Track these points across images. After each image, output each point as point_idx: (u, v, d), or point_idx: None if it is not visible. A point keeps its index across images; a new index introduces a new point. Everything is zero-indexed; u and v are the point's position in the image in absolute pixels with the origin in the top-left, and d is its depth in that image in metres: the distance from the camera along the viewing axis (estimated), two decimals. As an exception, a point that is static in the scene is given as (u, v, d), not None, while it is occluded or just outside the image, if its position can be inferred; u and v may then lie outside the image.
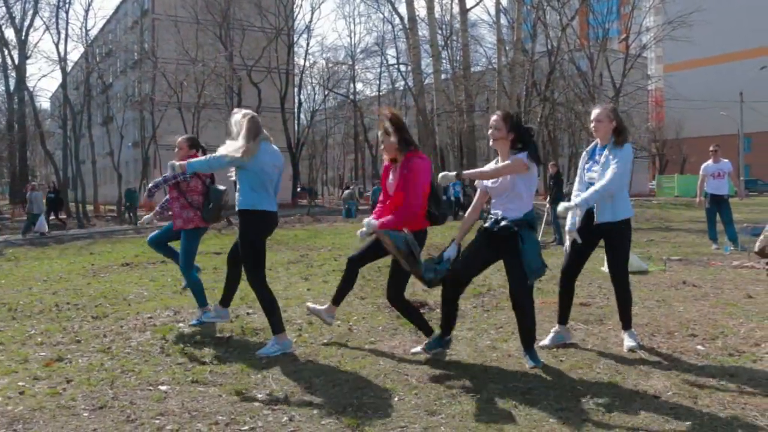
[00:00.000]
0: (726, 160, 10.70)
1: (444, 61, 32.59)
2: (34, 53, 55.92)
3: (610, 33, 36.65)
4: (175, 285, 7.61)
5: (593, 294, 6.57)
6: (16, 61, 31.61)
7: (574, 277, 4.66)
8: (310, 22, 60.55)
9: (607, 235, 4.51)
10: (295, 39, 43.32)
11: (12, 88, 33.12)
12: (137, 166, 39.45)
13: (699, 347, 4.47)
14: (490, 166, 4.31)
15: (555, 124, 33.23)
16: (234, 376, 4.06)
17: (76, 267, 10.35)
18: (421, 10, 28.92)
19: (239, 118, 4.67)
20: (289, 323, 5.41)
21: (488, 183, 4.25)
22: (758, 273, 7.67)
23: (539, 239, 12.79)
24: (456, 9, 30.63)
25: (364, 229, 4.21)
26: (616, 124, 4.49)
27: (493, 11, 34.52)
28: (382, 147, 4.47)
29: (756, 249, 8.27)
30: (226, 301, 5.21)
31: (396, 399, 3.56)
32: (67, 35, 31.24)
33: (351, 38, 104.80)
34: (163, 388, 3.85)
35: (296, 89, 45.55)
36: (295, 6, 41.64)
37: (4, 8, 30.66)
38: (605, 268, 5.31)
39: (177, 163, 4.57)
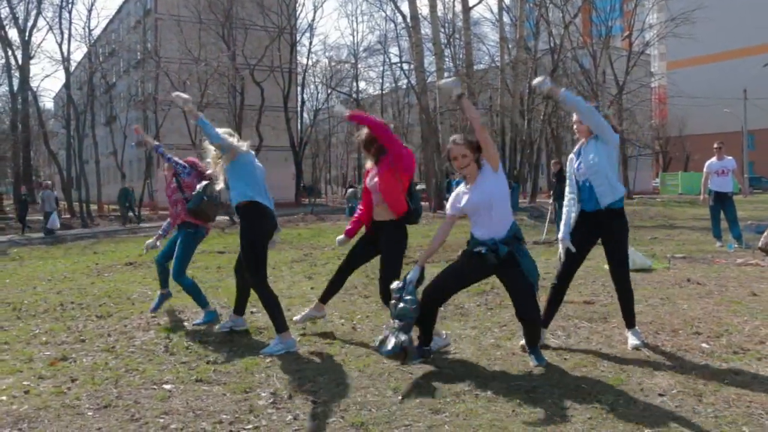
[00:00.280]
0: (730, 158, 10.67)
1: (447, 59, 32.51)
2: (38, 53, 56.23)
3: (613, 30, 36.56)
4: (178, 285, 7.61)
5: (597, 292, 6.56)
6: (20, 62, 31.65)
7: (567, 283, 4.62)
8: (313, 20, 60.94)
9: (607, 229, 4.43)
10: (298, 38, 43.38)
11: (16, 88, 33.14)
12: (141, 166, 39.52)
13: (703, 345, 4.46)
14: (460, 189, 4.24)
15: (558, 122, 33.14)
16: (238, 375, 4.07)
17: (80, 266, 10.37)
18: (424, 9, 28.89)
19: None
20: (293, 322, 5.42)
21: (464, 204, 4.14)
22: (762, 270, 7.65)
23: (544, 237, 12.71)
24: (458, 7, 30.69)
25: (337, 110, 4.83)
26: None
27: (495, 9, 34.60)
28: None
29: (760, 246, 8.25)
30: (240, 309, 5.22)
31: (400, 397, 3.56)
32: (70, 35, 31.10)
33: (354, 37, 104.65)
34: (168, 387, 3.86)
35: (299, 88, 45.61)
36: (297, 5, 41.65)
37: (7, 8, 30.72)
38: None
39: (191, 105, 4.59)
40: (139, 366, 4.31)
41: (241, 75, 33.42)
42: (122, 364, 4.38)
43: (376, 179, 4.64)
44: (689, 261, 8.84)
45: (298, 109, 46.03)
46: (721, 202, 10.53)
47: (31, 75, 33.80)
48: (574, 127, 4.58)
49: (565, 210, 4.54)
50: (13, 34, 31.93)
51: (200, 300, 5.65)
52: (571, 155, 4.64)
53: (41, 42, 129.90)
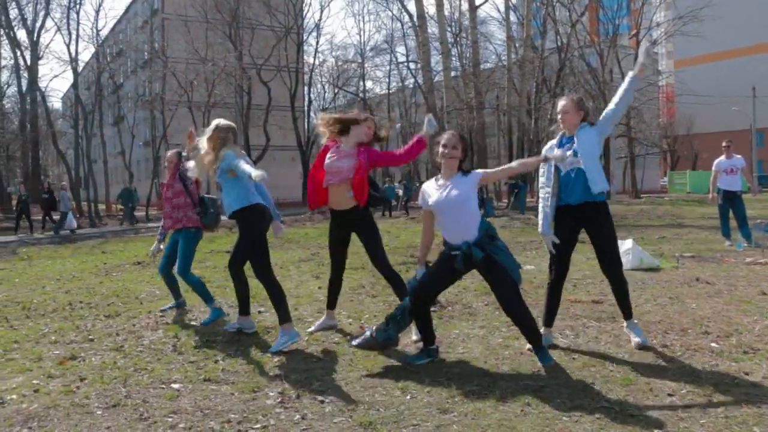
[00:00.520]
0: (739, 156, 10.60)
1: (453, 58, 32.50)
2: (46, 54, 56.55)
3: (621, 29, 36.44)
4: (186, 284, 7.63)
5: (605, 291, 6.52)
6: (29, 62, 31.90)
7: (562, 279, 4.57)
8: (320, 20, 60.38)
9: (594, 223, 4.38)
10: (305, 37, 43.34)
11: (24, 88, 33.44)
12: (148, 165, 39.68)
13: (713, 345, 4.43)
14: (431, 185, 4.28)
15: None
16: (246, 375, 4.08)
17: (89, 266, 10.42)
18: (430, 8, 28.93)
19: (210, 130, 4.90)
20: (300, 321, 5.43)
21: (433, 202, 4.16)
22: (772, 270, 7.60)
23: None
24: (465, 6, 30.57)
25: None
26: (584, 114, 4.43)
27: (502, 8, 34.49)
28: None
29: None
30: (244, 309, 5.21)
31: (408, 397, 3.56)
32: (78, 36, 31.72)
33: (360, 36, 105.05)
34: (176, 386, 3.87)
35: (306, 87, 45.57)
36: (304, 4, 41.66)
37: (16, 9, 30.95)
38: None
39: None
40: (148, 365, 4.33)
41: (248, 75, 33.50)
42: (131, 363, 4.39)
43: (345, 164, 4.79)
44: (698, 260, 8.79)
45: (305, 108, 46.07)
46: (730, 200, 10.47)
47: (39, 75, 34.01)
48: (559, 117, 4.46)
49: (541, 205, 4.51)
50: (21, 35, 32.24)
51: (205, 296, 5.72)
52: (549, 144, 4.58)
53: (49, 43, 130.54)
